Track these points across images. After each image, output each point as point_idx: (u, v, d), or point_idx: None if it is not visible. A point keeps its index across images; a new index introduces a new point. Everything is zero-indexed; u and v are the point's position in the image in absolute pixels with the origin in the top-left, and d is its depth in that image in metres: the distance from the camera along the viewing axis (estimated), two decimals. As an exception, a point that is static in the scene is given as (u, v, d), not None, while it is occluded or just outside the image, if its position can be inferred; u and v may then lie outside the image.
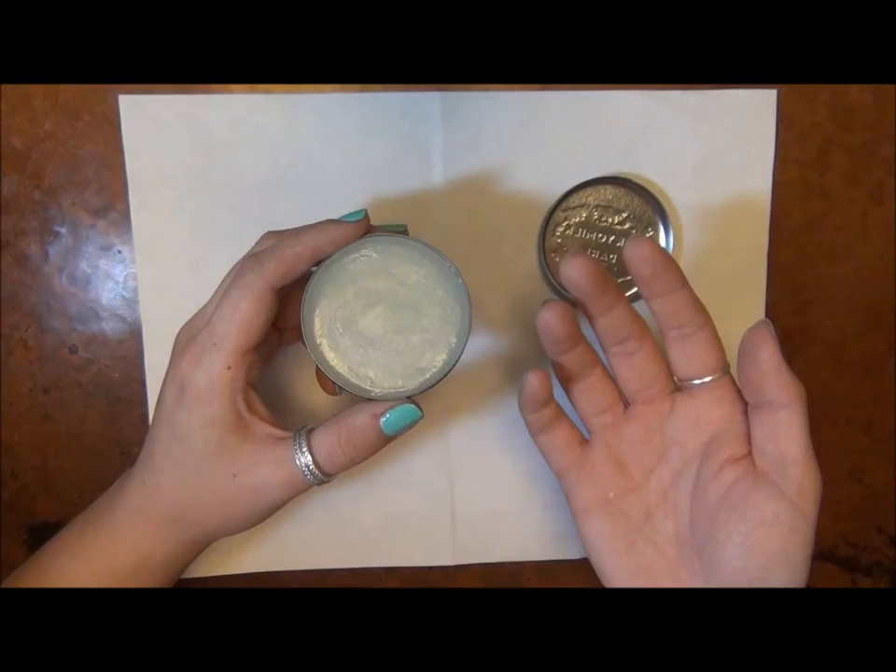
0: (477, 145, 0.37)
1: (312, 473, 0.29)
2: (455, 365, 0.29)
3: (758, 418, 0.28)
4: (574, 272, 0.28)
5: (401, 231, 0.31)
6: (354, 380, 0.29)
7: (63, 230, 0.37)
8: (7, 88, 0.35)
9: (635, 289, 0.36)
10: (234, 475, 0.29)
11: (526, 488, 0.38)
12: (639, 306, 0.31)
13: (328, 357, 0.29)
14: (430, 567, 0.39)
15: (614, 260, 0.37)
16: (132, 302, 0.37)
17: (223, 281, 0.30)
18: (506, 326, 0.38)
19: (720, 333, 0.30)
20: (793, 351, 0.39)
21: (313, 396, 0.37)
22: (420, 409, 0.29)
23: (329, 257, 0.29)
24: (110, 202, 0.36)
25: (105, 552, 0.30)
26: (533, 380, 0.30)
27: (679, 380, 0.30)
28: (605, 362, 0.32)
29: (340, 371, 0.29)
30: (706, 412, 0.30)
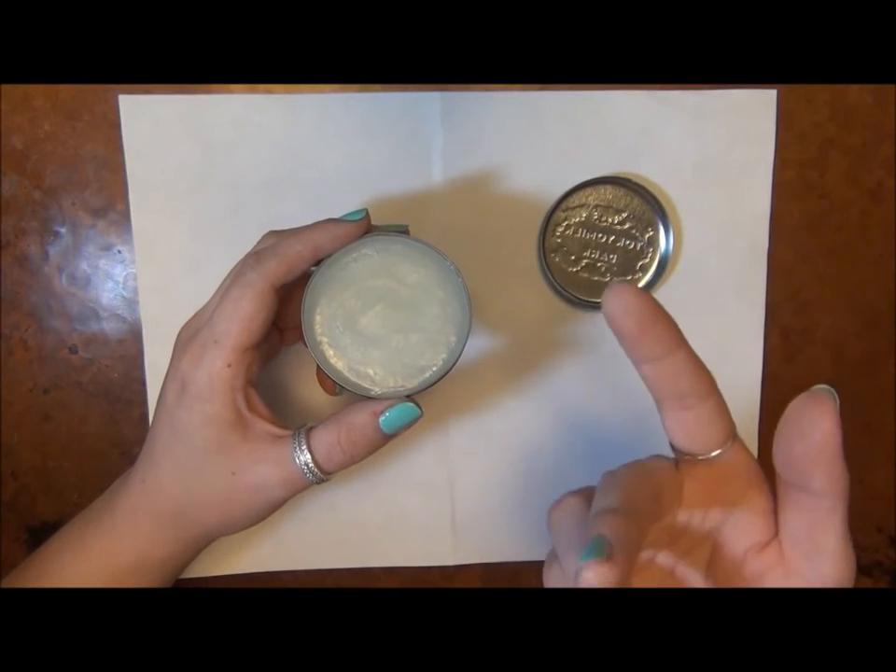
0: (477, 145, 0.37)
1: (311, 472, 0.29)
2: (454, 364, 0.29)
3: (792, 499, 0.23)
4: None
5: (403, 230, 0.31)
6: (354, 378, 0.29)
7: (63, 230, 0.37)
8: (6, 88, 0.35)
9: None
10: (234, 473, 0.29)
11: (527, 488, 0.38)
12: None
13: (328, 356, 0.29)
14: (430, 567, 0.39)
15: (614, 261, 0.37)
16: (132, 302, 0.37)
17: (224, 280, 0.30)
18: (506, 326, 0.38)
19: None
20: (793, 351, 0.39)
21: (313, 395, 0.37)
22: (420, 408, 0.29)
23: (329, 256, 0.29)
24: (110, 202, 0.36)
25: (105, 550, 0.30)
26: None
27: (678, 452, 0.24)
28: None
29: (340, 369, 0.29)
30: (715, 491, 0.24)
